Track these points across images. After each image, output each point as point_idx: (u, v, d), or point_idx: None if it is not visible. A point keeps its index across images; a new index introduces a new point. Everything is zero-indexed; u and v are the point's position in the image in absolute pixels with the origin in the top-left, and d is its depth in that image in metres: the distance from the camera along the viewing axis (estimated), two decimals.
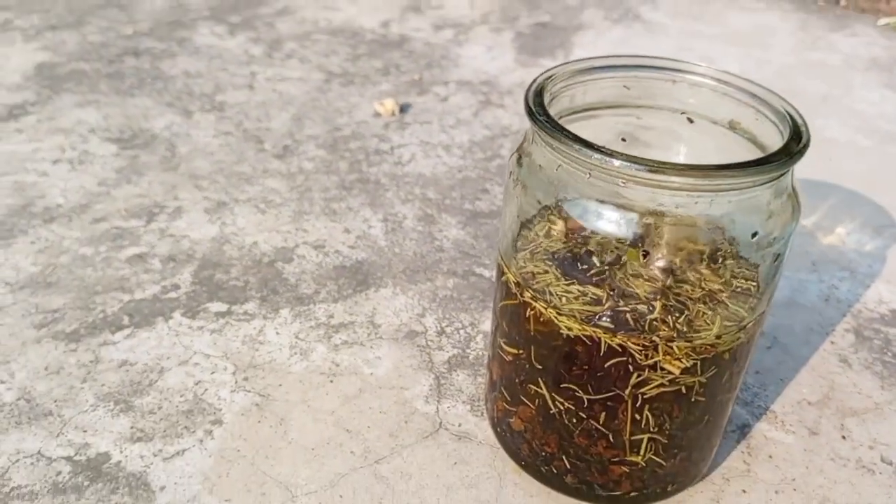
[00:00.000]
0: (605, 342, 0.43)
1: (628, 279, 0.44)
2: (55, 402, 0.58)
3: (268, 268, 0.73)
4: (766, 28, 1.35)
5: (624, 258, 0.44)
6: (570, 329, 0.44)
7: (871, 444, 0.57)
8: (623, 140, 0.51)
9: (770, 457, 0.56)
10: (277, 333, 0.65)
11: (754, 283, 0.44)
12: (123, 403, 0.59)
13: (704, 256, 0.45)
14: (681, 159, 0.50)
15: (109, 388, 0.59)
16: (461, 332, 0.66)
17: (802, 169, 0.93)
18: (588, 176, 0.40)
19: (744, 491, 0.53)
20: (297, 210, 0.81)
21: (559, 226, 0.47)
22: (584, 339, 0.43)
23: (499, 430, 0.54)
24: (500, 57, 1.20)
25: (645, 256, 0.41)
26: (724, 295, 0.44)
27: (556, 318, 0.44)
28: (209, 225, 0.78)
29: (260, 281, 0.71)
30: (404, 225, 0.79)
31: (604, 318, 0.43)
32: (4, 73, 1.08)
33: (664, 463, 0.47)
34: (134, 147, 0.91)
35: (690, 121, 0.48)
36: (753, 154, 0.45)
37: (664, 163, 0.37)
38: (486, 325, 0.67)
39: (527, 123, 0.44)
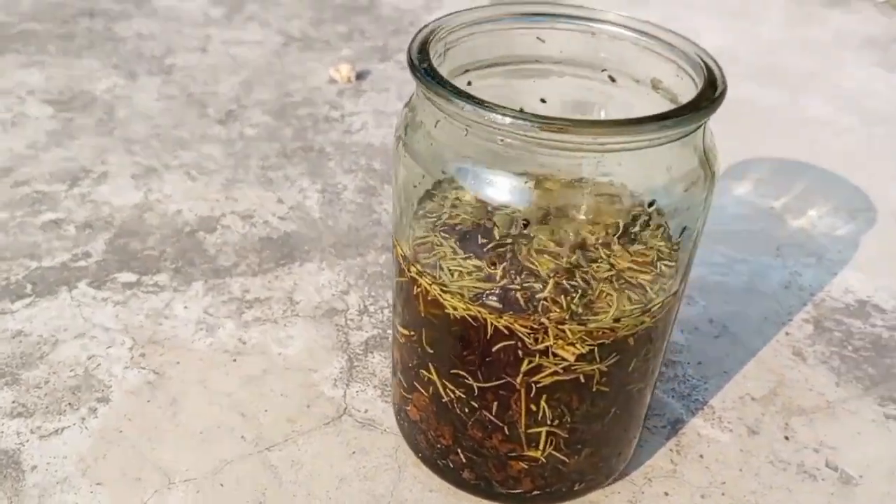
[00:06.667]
0: (492, 323, 0.38)
1: (532, 255, 0.39)
2: None
3: (188, 238, 0.68)
4: (758, 1, 1.28)
5: (531, 232, 0.39)
6: (454, 308, 0.39)
7: (816, 447, 0.52)
8: (543, 101, 0.46)
9: (701, 456, 0.51)
10: (185, 307, 0.61)
11: (671, 263, 0.39)
12: (10, 376, 0.54)
13: (618, 230, 0.39)
14: None
15: None
16: (385, 311, 0.61)
17: (778, 149, 0.87)
18: (465, 133, 0.35)
19: (666, 493, 0.48)
20: (230, 178, 0.76)
21: (458, 196, 0.42)
22: (470, 319, 0.38)
23: (399, 418, 0.49)
24: None
25: (525, 226, 0.36)
26: (633, 274, 0.39)
27: (440, 295, 0.39)
28: (134, 191, 0.73)
29: (177, 251, 0.66)
30: (343, 196, 0.74)
31: (491, 297, 0.38)
32: None
33: (567, 459, 0.42)
34: (71, 110, 0.87)
35: (612, 79, 0.43)
36: None
37: (546, 117, 0.32)
38: None
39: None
